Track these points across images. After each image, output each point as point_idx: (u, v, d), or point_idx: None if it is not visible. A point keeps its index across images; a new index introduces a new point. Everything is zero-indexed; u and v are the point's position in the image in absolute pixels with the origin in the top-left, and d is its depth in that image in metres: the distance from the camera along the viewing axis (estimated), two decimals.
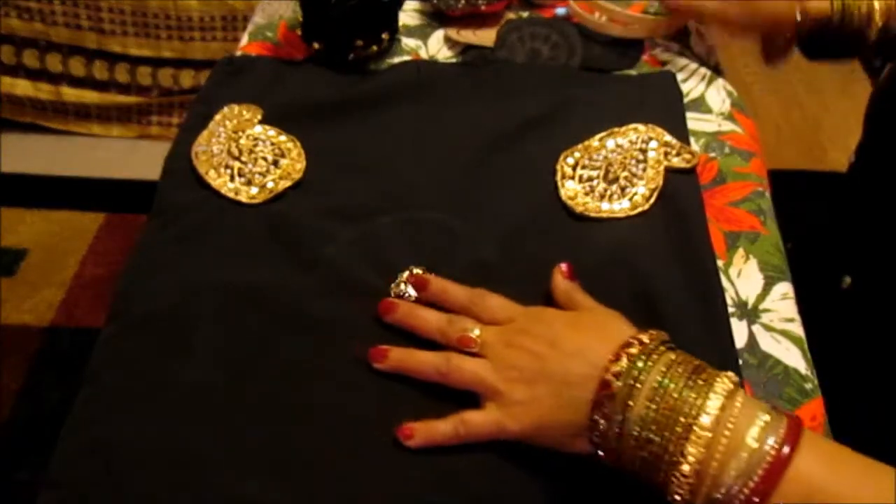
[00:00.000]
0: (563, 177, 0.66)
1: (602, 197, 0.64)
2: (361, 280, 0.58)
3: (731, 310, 0.57)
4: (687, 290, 0.57)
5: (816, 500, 0.39)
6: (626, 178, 0.65)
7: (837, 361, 0.59)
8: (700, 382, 0.42)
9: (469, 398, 0.50)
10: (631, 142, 0.67)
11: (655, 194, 0.64)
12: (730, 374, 0.43)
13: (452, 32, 0.81)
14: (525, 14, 0.85)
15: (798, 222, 0.75)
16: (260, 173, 0.65)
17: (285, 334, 0.55)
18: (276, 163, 0.66)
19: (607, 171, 0.66)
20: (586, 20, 0.80)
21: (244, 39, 0.81)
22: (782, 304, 0.58)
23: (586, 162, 0.66)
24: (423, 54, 0.80)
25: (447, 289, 0.55)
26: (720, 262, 0.60)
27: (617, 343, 0.46)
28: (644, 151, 0.67)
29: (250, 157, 0.66)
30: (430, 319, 0.54)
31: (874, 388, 0.63)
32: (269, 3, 0.86)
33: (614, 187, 0.64)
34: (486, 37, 0.81)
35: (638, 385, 0.43)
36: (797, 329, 0.57)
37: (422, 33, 0.83)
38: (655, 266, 0.58)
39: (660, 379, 0.43)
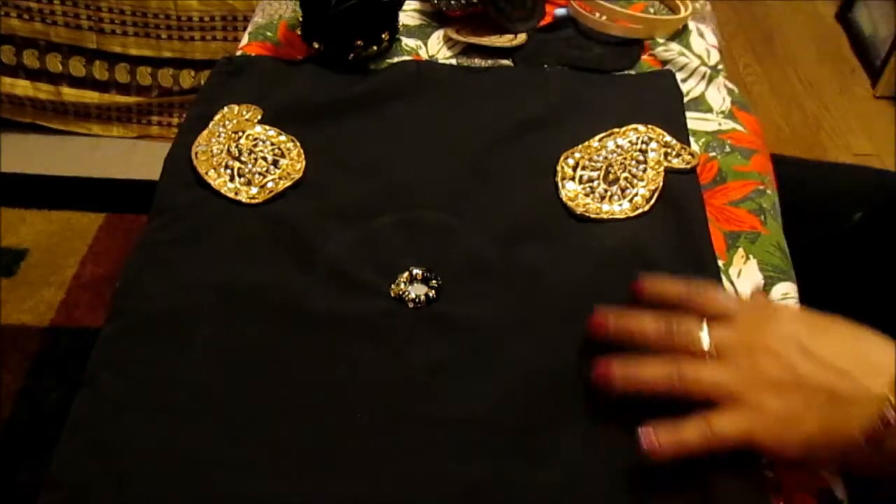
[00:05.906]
0: (564, 178, 0.65)
1: (602, 198, 0.64)
2: (361, 280, 0.58)
3: None
4: None
5: None
6: (626, 179, 0.65)
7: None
8: None
9: (471, 395, 0.50)
10: (631, 142, 0.67)
11: (655, 195, 0.63)
12: None
13: (452, 32, 0.81)
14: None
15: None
16: (260, 173, 0.65)
17: (285, 334, 0.55)
18: (275, 163, 0.66)
19: (607, 172, 0.65)
20: (587, 20, 0.80)
21: (244, 39, 0.81)
22: (783, 304, 0.58)
23: (586, 163, 0.66)
24: (423, 54, 0.80)
25: (663, 283, 0.52)
26: (720, 263, 0.60)
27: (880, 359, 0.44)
28: (644, 152, 0.67)
29: (250, 157, 0.66)
30: (646, 326, 0.49)
31: None
32: (269, 3, 0.86)
33: (614, 188, 0.64)
34: (486, 37, 0.81)
35: None
36: None
37: (422, 33, 0.82)
38: (656, 267, 0.58)
39: None
